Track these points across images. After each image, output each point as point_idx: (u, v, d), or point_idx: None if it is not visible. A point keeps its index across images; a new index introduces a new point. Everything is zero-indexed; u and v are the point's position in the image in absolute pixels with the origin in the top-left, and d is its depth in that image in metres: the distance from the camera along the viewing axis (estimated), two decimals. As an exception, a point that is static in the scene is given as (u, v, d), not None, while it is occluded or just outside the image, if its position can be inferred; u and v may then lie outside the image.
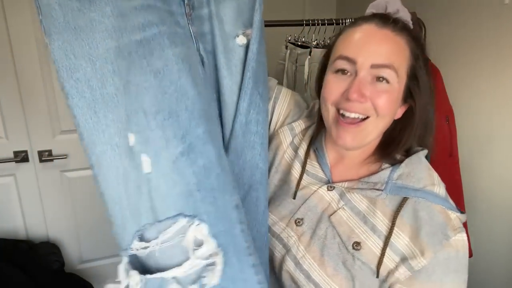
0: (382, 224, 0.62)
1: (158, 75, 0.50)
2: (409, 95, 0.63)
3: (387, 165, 0.66)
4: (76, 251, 1.95)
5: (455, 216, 0.61)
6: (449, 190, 1.36)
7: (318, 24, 1.35)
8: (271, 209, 0.71)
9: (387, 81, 0.59)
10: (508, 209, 1.40)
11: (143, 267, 0.54)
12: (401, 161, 0.65)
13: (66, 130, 1.77)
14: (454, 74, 1.55)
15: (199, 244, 0.51)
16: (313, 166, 0.72)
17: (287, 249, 0.68)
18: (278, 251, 0.69)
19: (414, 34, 0.63)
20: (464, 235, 0.60)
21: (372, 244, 0.61)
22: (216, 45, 0.62)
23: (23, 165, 1.74)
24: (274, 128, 0.79)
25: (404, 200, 0.62)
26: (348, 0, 2.48)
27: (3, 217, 1.78)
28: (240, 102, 0.62)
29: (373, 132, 0.62)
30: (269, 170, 0.76)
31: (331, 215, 0.65)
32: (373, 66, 0.58)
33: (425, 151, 0.68)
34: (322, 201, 0.68)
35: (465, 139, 1.52)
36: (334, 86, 0.61)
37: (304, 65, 1.39)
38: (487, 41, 1.39)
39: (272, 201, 0.73)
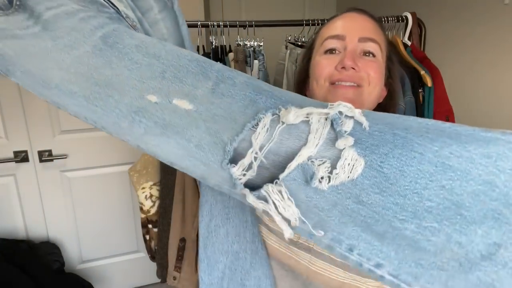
0: None
1: (141, 49, 0.52)
2: (389, 76, 0.69)
3: None
4: (76, 251, 1.95)
5: None
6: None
7: (318, 24, 1.35)
8: None
9: (373, 55, 0.64)
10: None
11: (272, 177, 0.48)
12: None
13: (66, 130, 1.77)
14: (454, 74, 1.55)
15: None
16: None
17: (311, 252, 0.64)
18: (303, 259, 0.65)
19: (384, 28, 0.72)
20: None
21: None
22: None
23: (23, 165, 1.74)
24: None
25: None
26: (348, 0, 2.48)
27: (3, 217, 1.78)
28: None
29: (367, 100, 0.65)
30: None
31: None
32: (361, 40, 0.63)
33: None
34: None
35: (465, 139, 1.52)
36: (325, 63, 0.64)
37: (304, 65, 1.39)
38: (487, 41, 1.39)
39: None
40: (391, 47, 0.71)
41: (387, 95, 0.72)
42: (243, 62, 1.28)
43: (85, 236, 1.94)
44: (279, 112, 0.48)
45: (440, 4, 1.61)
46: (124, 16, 0.60)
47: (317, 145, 0.45)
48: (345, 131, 0.45)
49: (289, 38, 1.54)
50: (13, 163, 1.72)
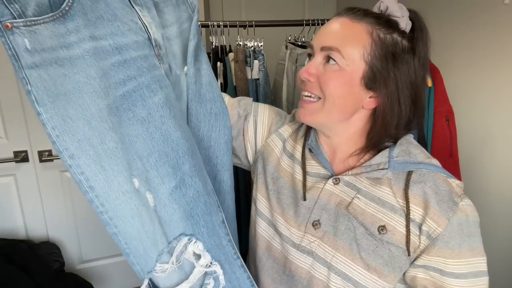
0: (397, 202, 0.63)
1: (144, 123, 0.59)
2: (371, 83, 0.63)
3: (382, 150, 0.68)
4: (76, 251, 1.95)
5: (455, 184, 0.64)
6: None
7: (318, 24, 1.35)
8: (286, 220, 0.71)
9: (335, 62, 0.63)
10: (507, 209, 1.40)
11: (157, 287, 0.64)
12: (391, 145, 0.68)
13: (66, 130, 1.77)
14: (454, 74, 1.55)
15: (197, 259, 0.64)
16: (312, 165, 0.73)
17: (313, 256, 0.67)
18: (304, 262, 0.68)
19: (389, 25, 0.64)
20: (469, 201, 0.63)
21: (396, 224, 0.62)
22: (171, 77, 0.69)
23: (23, 165, 1.74)
24: (261, 140, 0.80)
25: (409, 174, 0.64)
26: (348, 0, 2.48)
27: (3, 217, 1.78)
28: (190, 124, 0.72)
29: (327, 112, 0.64)
30: (261, 179, 0.78)
31: (347, 206, 0.65)
32: (322, 49, 0.63)
33: (411, 135, 0.70)
34: (332, 196, 0.67)
35: (465, 139, 1.52)
36: (301, 70, 0.67)
37: (304, 65, 1.39)
38: (487, 41, 1.39)
39: (284, 211, 0.72)
40: (389, 50, 0.63)
41: (382, 102, 0.64)
42: (243, 62, 1.28)
43: (85, 236, 1.94)
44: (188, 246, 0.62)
45: (440, 4, 1.61)
46: (154, 44, 0.63)
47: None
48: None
49: (289, 38, 1.54)
50: (13, 163, 1.72)
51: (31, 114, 1.69)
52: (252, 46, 1.32)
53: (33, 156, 1.74)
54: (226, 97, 0.83)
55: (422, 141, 1.22)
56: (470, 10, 1.46)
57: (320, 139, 0.73)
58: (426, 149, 1.24)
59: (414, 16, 0.66)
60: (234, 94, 1.26)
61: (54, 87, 0.52)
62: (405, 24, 0.64)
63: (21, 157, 1.71)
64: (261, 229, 0.76)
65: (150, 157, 0.59)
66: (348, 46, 0.61)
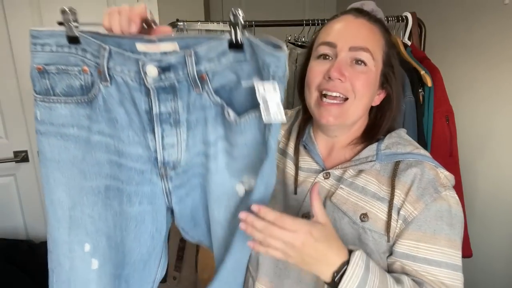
0: (381, 190, 0.65)
1: (113, 215, 0.64)
2: (385, 81, 0.68)
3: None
4: (76, 251, 1.95)
5: (444, 175, 0.65)
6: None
7: (318, 24, 1.35)
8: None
9: (365, 64, 0.64)
10: (507, 209, 1.40)
11: None
12: (382, 138, 0.71)
13: (66, 130, 1.77)
14: (454, 74, 1.55)
15: None
16: (305, 161, 0.75)
17: None
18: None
19: (387, 28, 0.70)
20: (455, 194, 0.63)
21: (378, 211, 0.64)
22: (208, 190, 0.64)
23: (23, 165, 1.74)
24: None
25: (397, 164, 0.66)
26: (348, 0, 2.48)
27: (3, 217, 1.78)
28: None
29: (354, 113, 0.66)
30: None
31: (331, 197, 0.68)
32: (352, 49, 0.63)
33: (403, 130, 0.73)
34: (322, 189, 0.70)
35: (465, 139, 1.52)
36: (317, 69, 0.66)
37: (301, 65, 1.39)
38: (487, 41, 1.39)
39: (275, 206, 0.73)
40: (393, 49, 0.70)
41: (385, 98, 0.71)
42: (243, 62, 1.28)
43: (85, 236, 1.94)
44: None
45: (440, 4, 1.61)
46: (161, 163, 0.62)
47: None
48: None
49: (289, 38, 1.54)
50: (13, 163, 1.72)
51: (31, 114, 1.69)
52: (252, 46, 1.31)
53: (33, 156, 1.74)
54: None
55: (422, 141, 1.22)
56: (470, 10, 1.46)
57: (317, 136, 0.75)
58: (426, 149, 1.24)
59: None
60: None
61: (51, 153, 0.60)
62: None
63: (21, 157, 1.71)
64: None
65: (100, 239, 0.64)
66: (375, 48, 0.65)
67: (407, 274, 0.61)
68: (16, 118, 1.68)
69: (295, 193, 0.72)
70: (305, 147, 0.75)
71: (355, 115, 0.67)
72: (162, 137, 0.59)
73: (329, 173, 0.70)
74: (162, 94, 0.55)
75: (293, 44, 1.50)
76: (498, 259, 1.46)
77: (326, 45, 0.66)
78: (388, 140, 0.69)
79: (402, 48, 1.29)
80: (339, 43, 0.64)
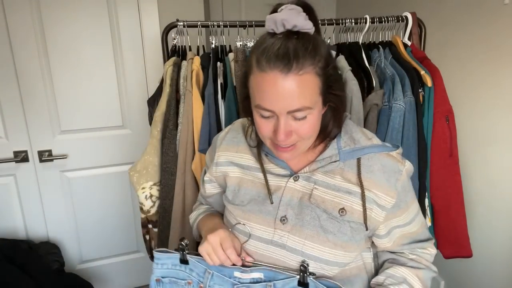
0: (351, 186, 0.72)
1: None
2: (328, 100, 0.69)
3: (330, 141, 0.76)
4: (76, 251, 1.95)
5: (395, 153, 0.74)
6: (449, 190, 1.35)
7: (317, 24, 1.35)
8: (256, 221, 0.76)
9: (305, 116, 0.65)
10: (507, 209, 1.40)
11: None
12: (338, 133, 0.76)
13: (66, 130, 1.77)
14: (454, 74, 1.55)
15: None
16: (271, 167, 0.78)
17: (286, 248, 0.73)
18: (278, 254, 0.74)
19: (318, 43, 0.67)
20: (407, 161, 0.74)
21: (353, 204, 0.72)
22: None
23: (23, 165, 1.74)
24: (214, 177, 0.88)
25: (358, 161, 0.73)
26: (348, 0, 2.48)
27: (3, 217, 1.78)
28: None
29: (307, 146, 0.72)
30: (228, 206, 0.82)
31: (309, 198, 0.74)
32: (289, 112, 0.64)
33: (347, 115, 0.79)
34: (294, 192, 0.74)
35: (465, 139, 1.52)
36: (264, 127, 0.68)
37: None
38: (487, 41, 1.40)
39: (252, 215, 0.76)
40: (328, 60, 0.67)
41: (332, 108, 0.71)
42: (243, 62, 1.28)
43: (85, 236, 1.94)
44: None
45: (440, 4, 1.61)
46: None
47: None
48: None
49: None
50: (13, 163, 1.72)
51: (31, 114, 1.69)
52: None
53: (33, 156, 1.74)
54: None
55: (422, 141, 1.22)
56: (470, 10, 1.46)
57: None
58: (426, 149, 1.24)
59: (312, 18, 0.72)
60: (234, 94, 1.26)
61: None
62: (312, 31, 0.69)
63: (21, 157, 1.71)
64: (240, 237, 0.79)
65: None
66: (311, 97, 0.64)
67: (395, 252, 0.79)
68: (16, 118, 1.68)
69: (271, 202, 0.75)
70: (266, 155, 0.78)
71: (307, 146, 0.72)
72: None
73: (298, 176, 0.75)
74: None
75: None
76: (498, 259, 1.46)
77: (264, 110, 0.65)
78: (345, 135, 0.75)
79: (402, 48, 1.29)
80: (275, 109, 0.64)
